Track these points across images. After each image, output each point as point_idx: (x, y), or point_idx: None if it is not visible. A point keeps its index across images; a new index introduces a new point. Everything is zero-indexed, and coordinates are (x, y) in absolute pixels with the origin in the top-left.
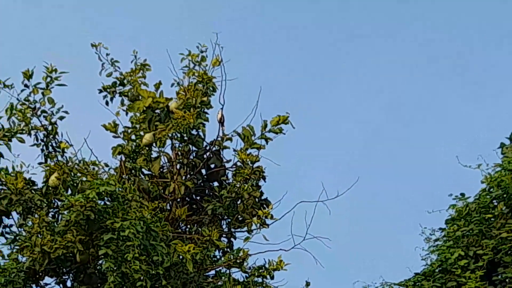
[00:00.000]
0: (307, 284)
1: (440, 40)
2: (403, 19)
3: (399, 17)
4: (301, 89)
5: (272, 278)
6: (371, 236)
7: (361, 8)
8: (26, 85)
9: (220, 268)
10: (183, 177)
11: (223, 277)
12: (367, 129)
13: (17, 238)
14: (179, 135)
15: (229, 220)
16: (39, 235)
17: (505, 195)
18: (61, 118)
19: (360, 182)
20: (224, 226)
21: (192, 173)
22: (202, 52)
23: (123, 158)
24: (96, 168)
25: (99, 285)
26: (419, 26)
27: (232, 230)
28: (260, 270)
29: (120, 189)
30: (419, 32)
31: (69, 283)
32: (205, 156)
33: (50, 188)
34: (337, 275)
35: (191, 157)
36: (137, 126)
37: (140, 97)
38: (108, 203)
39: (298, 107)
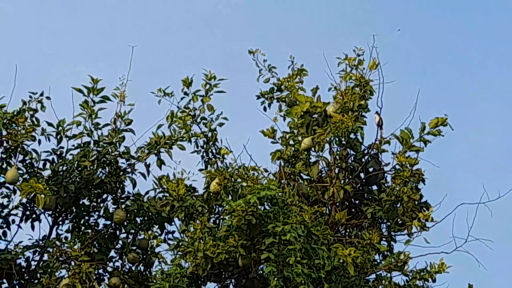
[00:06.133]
0: (470, 286)
1: None
2: None
3: None
4: (460, 93)
5: (434, 281)
6: None
7: None
8: (185, 93)
9: (381, 271)
10: (342, 181)
11: (383, 281)
12: None
13: (180, 244)
14: (337, 139)
15: (389, 223)
16: (201, 240)
17: None
18: (221, 124)
19: None
20: (384, 230)
21: (350, 177)
22: (358, 55)
23: (282, 163)
24: (256, 174)
25: None
26: None
27: (392, 233)
28: (422, 273)
29: (280, 193)
30: None
31: None
32: (363, 159)
33: (211, 194)
34: (500, 278)
35: (350, 161)
36: (295, 131)
37: (298, 102)
38: (268, 207)
39: (458, 110)
